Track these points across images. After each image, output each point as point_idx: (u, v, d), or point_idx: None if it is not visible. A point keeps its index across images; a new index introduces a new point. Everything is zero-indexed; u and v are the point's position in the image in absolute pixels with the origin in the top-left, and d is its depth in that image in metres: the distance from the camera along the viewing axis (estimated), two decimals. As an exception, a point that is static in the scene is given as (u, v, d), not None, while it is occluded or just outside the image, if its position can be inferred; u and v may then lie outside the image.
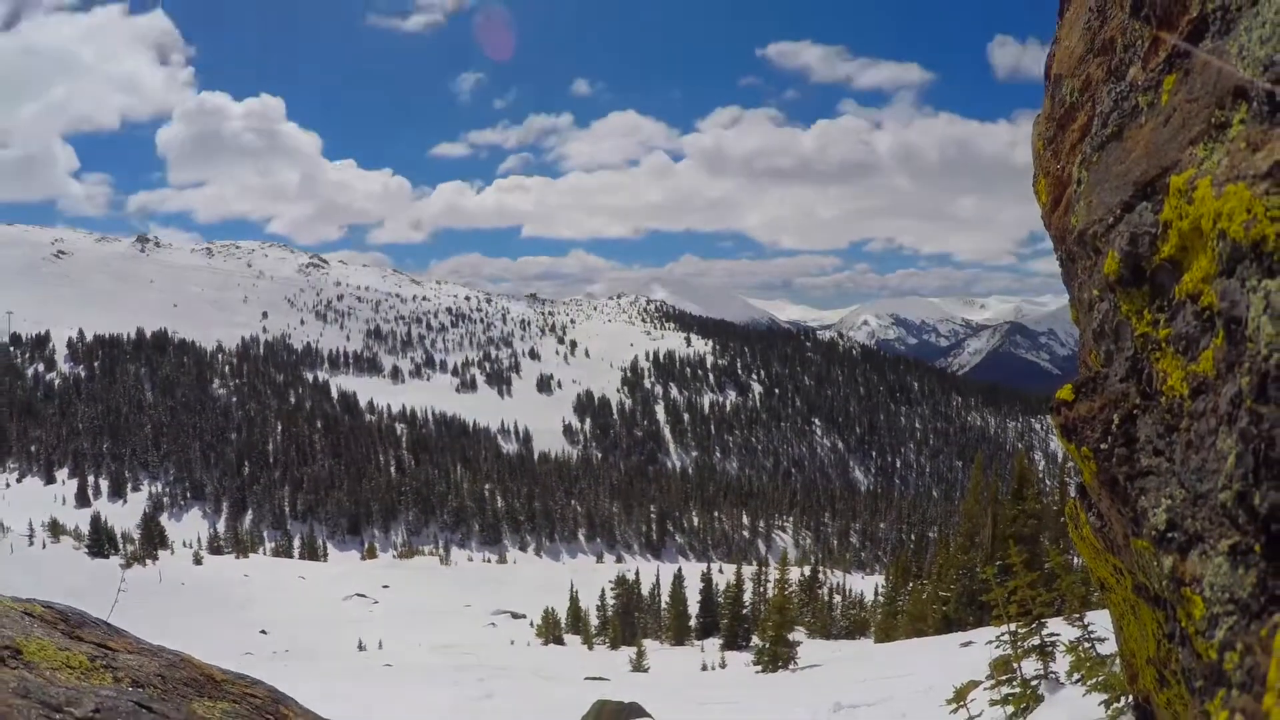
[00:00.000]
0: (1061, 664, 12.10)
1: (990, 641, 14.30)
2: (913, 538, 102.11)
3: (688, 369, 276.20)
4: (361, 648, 47.25)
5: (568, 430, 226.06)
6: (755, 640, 44.78)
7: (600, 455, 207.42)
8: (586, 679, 28.37)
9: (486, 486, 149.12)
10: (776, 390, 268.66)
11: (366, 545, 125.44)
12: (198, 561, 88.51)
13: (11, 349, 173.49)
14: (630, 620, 58.30)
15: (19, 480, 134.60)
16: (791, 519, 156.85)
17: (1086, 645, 10.79)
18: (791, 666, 32.82)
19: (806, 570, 68.87)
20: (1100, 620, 11.01)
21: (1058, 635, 12.37)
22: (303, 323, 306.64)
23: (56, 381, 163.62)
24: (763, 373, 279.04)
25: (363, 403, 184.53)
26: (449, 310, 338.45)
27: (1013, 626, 12.60)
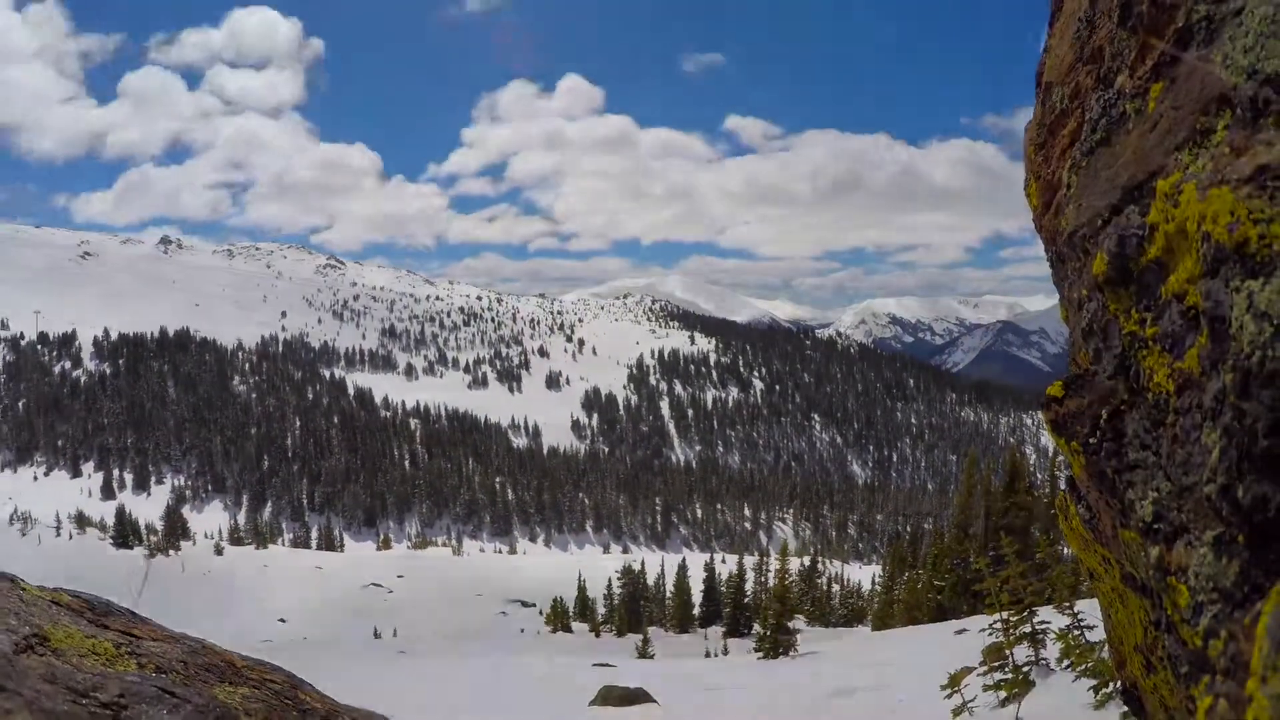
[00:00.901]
0: (1052, 651, 12.09)
1: (983, 629, 14.29)
2: (908, 529, 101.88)
3: (691, 366, 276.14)
4: (377, 635, 47.32)
5: (576, 425, 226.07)
6: (756, 628, 44.74)
7: (607, 450, 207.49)
8: (594, 665, 28.37)
9: (497, 480, 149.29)
10: (777, 387, 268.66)
11: (382, 536, 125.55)
12: (219, 552, 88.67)
13: (39, 347, 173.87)
14: (636, 609, 58.31)
15: (46, 473, 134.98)
16: (791, 511, 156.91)
17: (1076, 633, 10.79)
18: (791, 653, 32.74)
19: (806, 560, 68.78)
20: (1089, 609, 10.99)
21: (1048, 623, 12.36)
22: (320, 322, 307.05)
23: (83, 378, 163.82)
24: (764, 370, 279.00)
25: (378, 399, 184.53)
26: (461, 309, 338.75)
27: (1005, 615, 12.58)
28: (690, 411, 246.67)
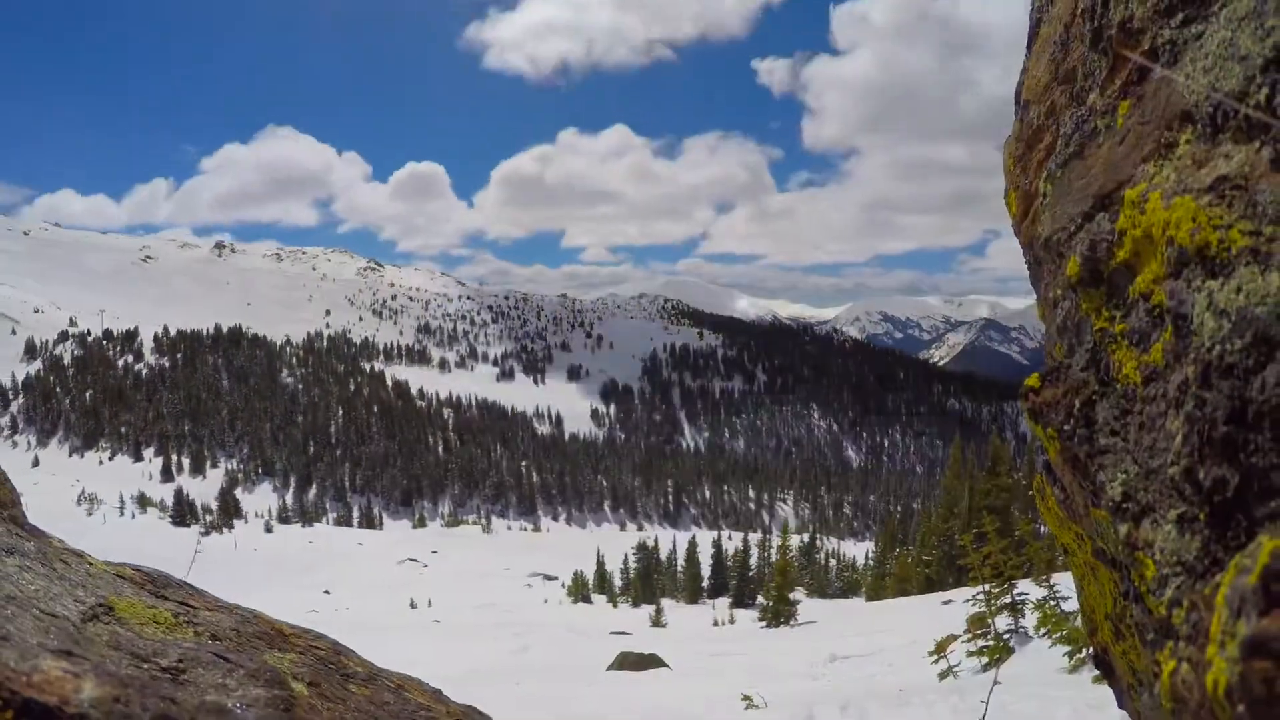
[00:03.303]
0: (1030, 620, 12.09)
1: (967, 600, 14.27)
2: (899, 509, 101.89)
3: (700, 360, 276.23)
4: (413, 606, 47.35)
5: (594, 414, 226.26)
6: (760, 599, 44.75)
7: (623, 436, 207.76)
8: (611, 633, 28.41)
9: (523, 464, 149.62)
10: (779, 379, 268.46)
11: (417, 516, 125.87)
12: (268, 530, 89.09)
13: (104, 343, 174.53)
14: (650, 582, 58.30)
15: (111, 458, 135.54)
16: (792, 492, 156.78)
17: (1052, 603, 10.79)
18: (792, 622, 32.75)
19: (805, 537, 68.74)
20: (1064, 581, 10.98)
21: (1027, 595, 12.36)
22: (361, 319, 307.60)
23: (144, 371, 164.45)
24: (766, 363, 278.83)
25: (414, 390, 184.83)
26: (490, 308, 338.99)
27: (987, 587, 12.59)
28: (699, 401, 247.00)
